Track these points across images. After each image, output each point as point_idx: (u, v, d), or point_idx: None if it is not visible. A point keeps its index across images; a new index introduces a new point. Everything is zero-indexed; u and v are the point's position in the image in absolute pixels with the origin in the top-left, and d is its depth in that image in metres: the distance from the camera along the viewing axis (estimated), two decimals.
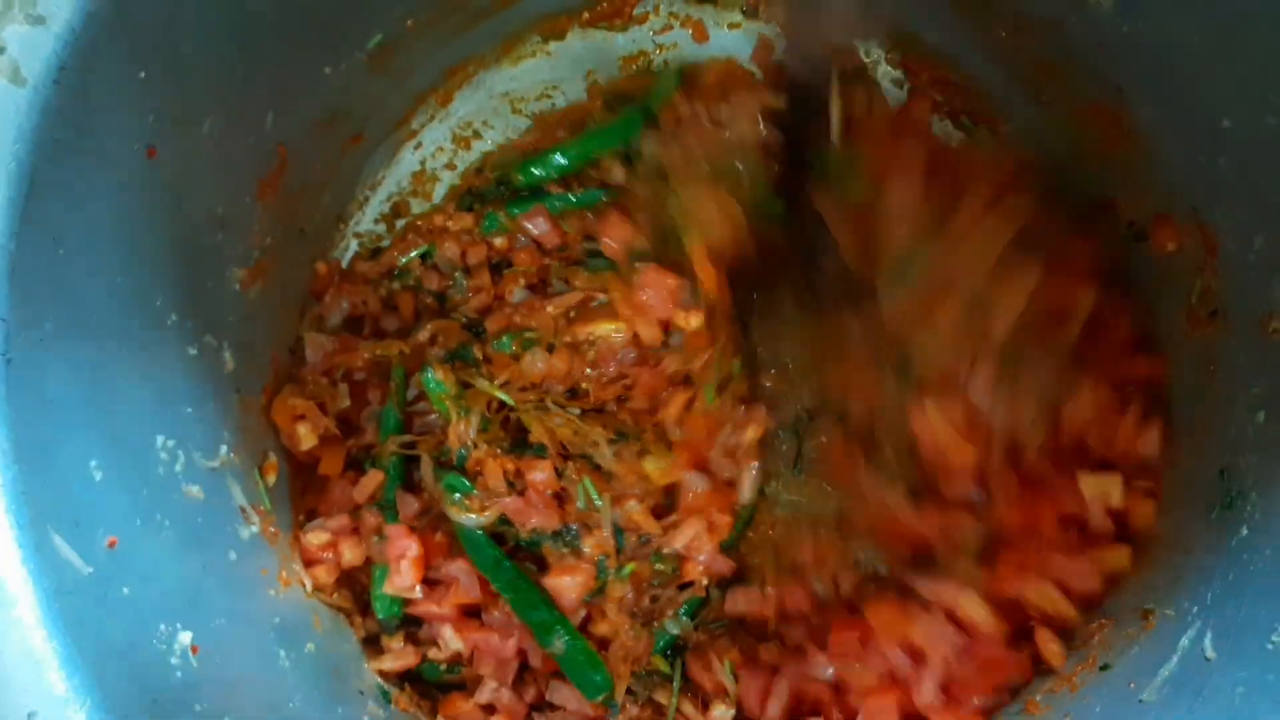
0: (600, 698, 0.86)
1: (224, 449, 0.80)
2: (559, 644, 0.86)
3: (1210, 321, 0.84)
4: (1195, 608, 0.77)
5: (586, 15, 1.06)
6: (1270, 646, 0.68)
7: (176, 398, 0.74)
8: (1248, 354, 0.81)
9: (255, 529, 0.82)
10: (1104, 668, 0.82)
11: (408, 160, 1.05)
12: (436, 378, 0.88)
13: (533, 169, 1.00)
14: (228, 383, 0.83)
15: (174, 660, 0.62)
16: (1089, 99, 0.91)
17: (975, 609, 0.83)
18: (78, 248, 0.62)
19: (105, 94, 0.61)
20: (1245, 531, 0.76)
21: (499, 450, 0.88)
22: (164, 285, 0.73)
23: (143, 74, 0.63)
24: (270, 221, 0.87)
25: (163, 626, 0.63)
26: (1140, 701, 0.75)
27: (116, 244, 0.66)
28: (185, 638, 0.64)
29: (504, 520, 0.88)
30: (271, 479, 0.89)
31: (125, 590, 0.60)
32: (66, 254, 0.61)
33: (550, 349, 0.91)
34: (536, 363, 0.90)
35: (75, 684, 0.52)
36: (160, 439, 0.71)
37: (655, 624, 0.91)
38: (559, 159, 1.00)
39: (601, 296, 0.93)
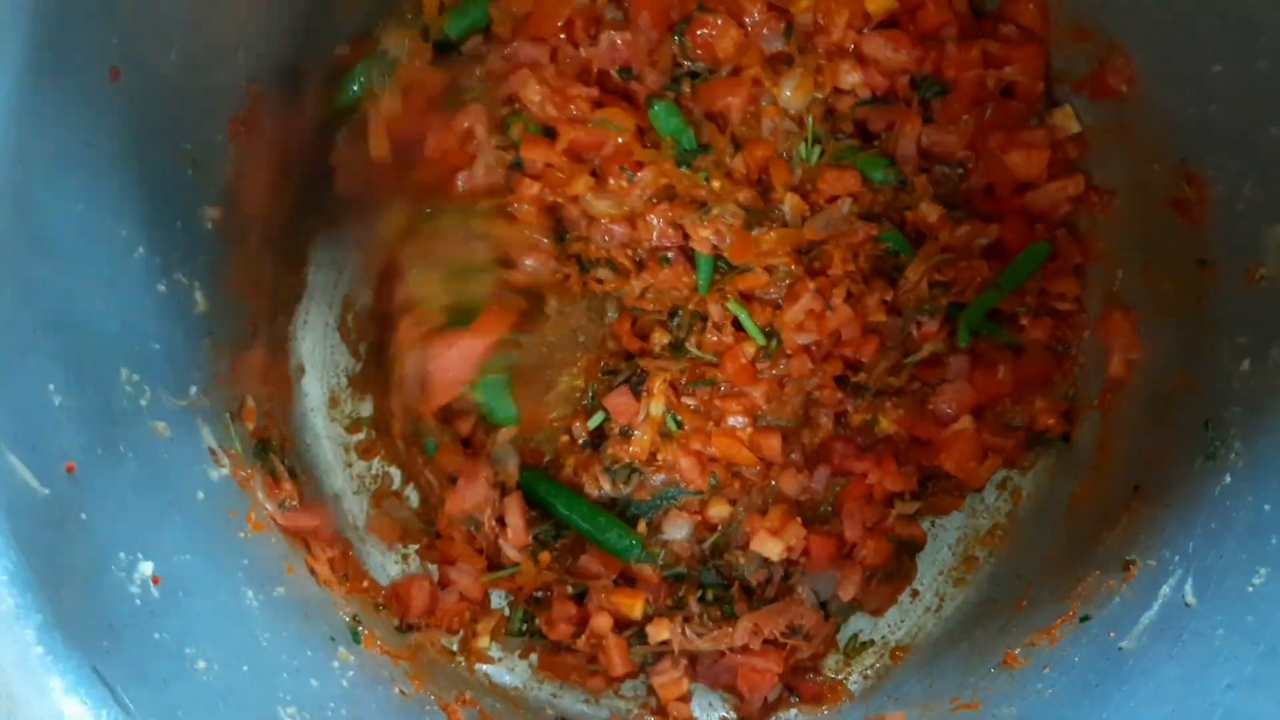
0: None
1: (193, 389, 0.79)
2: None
3: (1198, 271, 0.83)
4: (1176, 556, 0.76)
5: None
6: (1251, 589, 0.67)
7: (143, 333, 0.73)
8: (1234, 303, 0.80)
9: (225, 471, 0.80)
10: (1084, 619, 0.81)
11: None
12: None
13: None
14: (198, 323, 0.81)
15: (133, 589, 0.61)
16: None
17: None
18: (39, 169, 0.61)
19: (66, 9, 0.59)
20: (1229, 479, 0.75)
21: None
22: (129, 218, 0.71)
23: None
24: (244, 162, 0.86)
25: (123, 555, 0.61)
26: (1120, 649, 0.75)
27: (78, 169, 0.65)
28: (146, 568, 0.63)
29: None
30: (250, 425, 0.88)
31: (84, 516, 0.59)
32: (26, 174, 0.60)
33: None
34: None
35: (25, 602, 0.51)
36: (125, 372, 0.70)
37: None
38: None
39: None
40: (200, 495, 0.76)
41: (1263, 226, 0.76)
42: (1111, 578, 0.82)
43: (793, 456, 0.96)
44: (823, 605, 0.97)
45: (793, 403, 0.96)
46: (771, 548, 0.94)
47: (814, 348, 0.94)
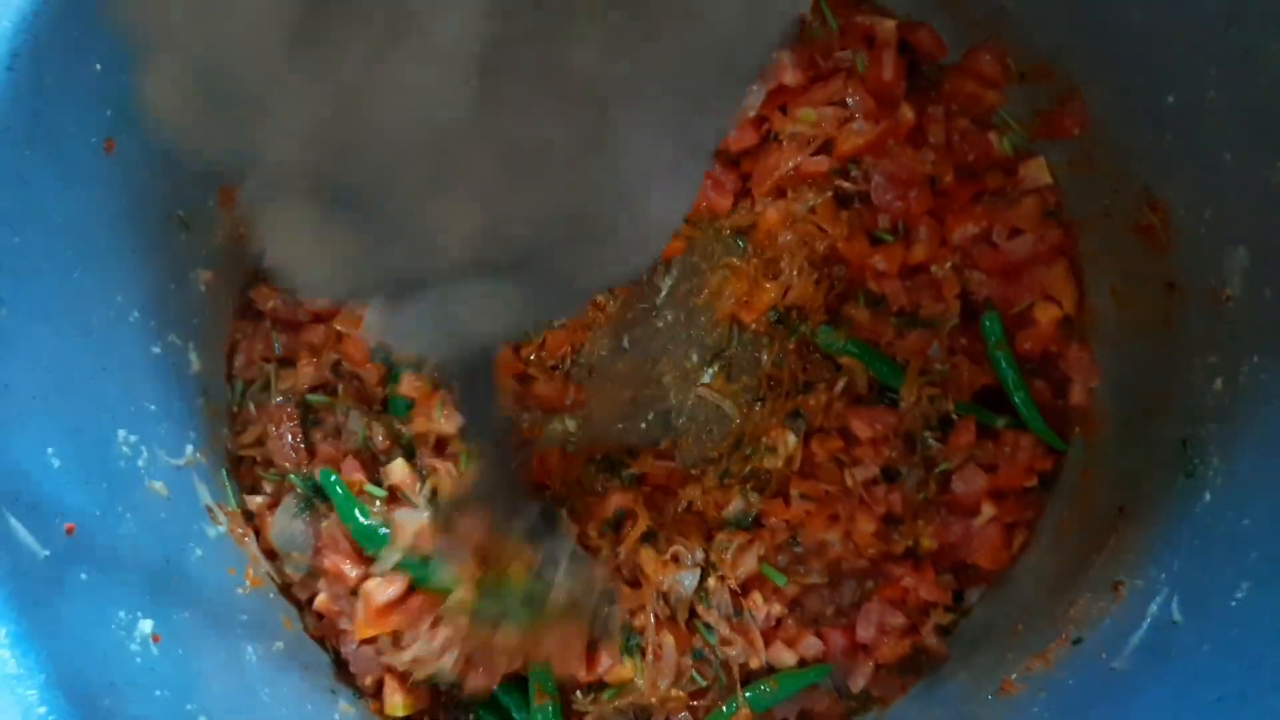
0: None
1: (190, 448, 0.80)
2: None
3: (1167, 294, 0.86)
4: (1163, 575, 0.77)
5: None
6: (1234, 604, 0.68)
7: (139, 394, 0.75)
8: (1204, 324, 0.82)
9: (223, 529, 0.81)
10: (1076, 642, 0.82)
11: None
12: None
13: None
14: (194, 383, 0.83)
15: (134, 647, 0.62)
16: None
17: None
18: (33, 239, 0.63)
19: (59, 85, 0.62)
20: (1208, 497, 0.77)
21: None
22: (124, 283, 0.74)
23: (99, 66, 0.64)
24: (235, 226, 0.88)
25: (122, 614, 0.62)
26: (1112, 669, 0.76)
27: (72, 238, 0.67)
28: (146, 626, 0.63)
29: None
30: (248, 482, 0.89)
31: (83, 576, 0.60)
32: (22, 243, 0.62)
33: None
34: None
35: (28, 663, 0.52)
36: (122, 433, 0.71)
37: None
38: None
39: None
40: (198, 553, 0.77)
41: (1225, 249, 0.78)
42: (1101, 599, 0.83)
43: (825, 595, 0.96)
44: (837, 689, 0.95)
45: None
46: (786, 658, 0.92)
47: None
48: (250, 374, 0.89)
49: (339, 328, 0.89)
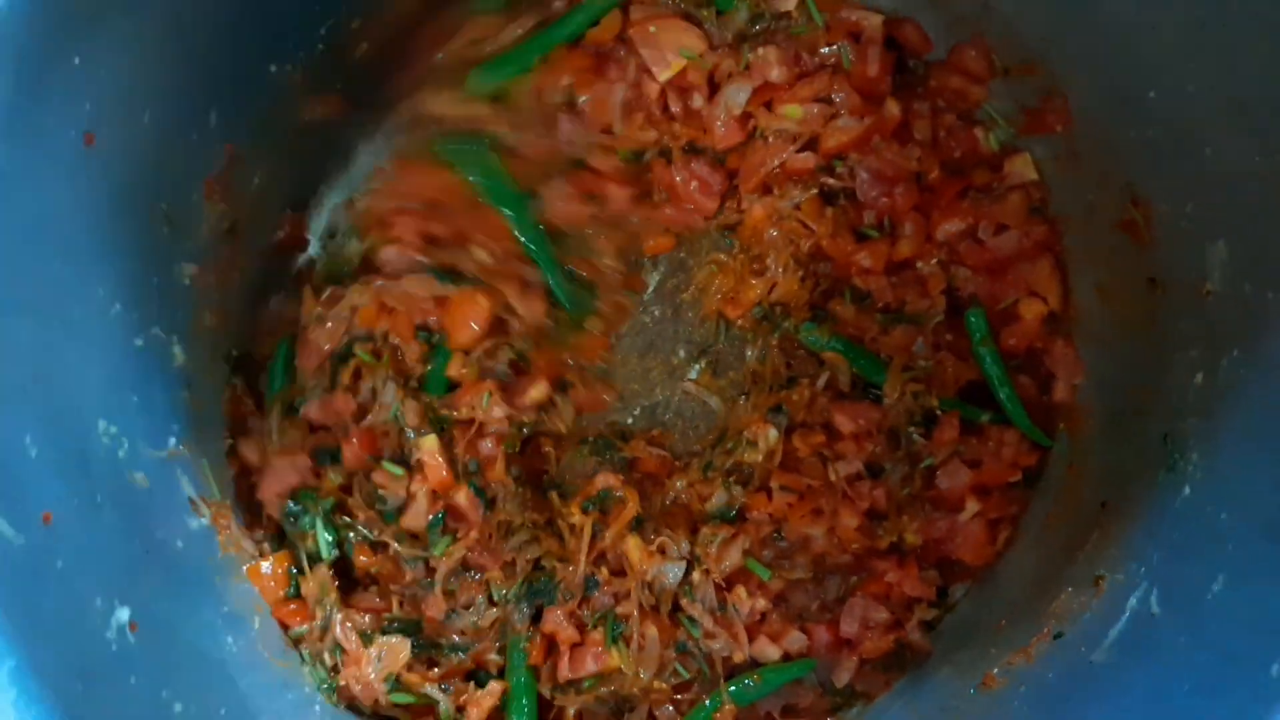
0: None
1: (173, 440, 0.81)
2: None
3: (1149, 289, 0.86)
4: (1143, 569, 0.78)
5: None
6: (1210, 597, 0.69)
7: (121, 385, 0.75)
8: (1185, 318, 0.82)
9: (205, 521, 0.82)
10: (1057, 636, 0.82)
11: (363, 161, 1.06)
12: None
13: None
14: (177, 376, 0.83)
15: (109, 635, 0.62)
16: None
17: None
18: (14, 230, 0.63)
19: (38, 78, 0.62)
20: (1188, 491, 0.77)
21: None
22: (105, 276, 0.74)
23: (77, 60, 0.65)
24: (220, 220, 0.88)
25: (99, 602, 0.63)
26: (1091, 663, 0.76)
27: (52, 230, 0.67)
28: (123, 614, 0.64)
29: None
30: (234, 470, 0.89)
31: (59, 564, 0.61)
32: (3, 234, 0.62)
33: None
34: None
35: None
36: (102, 424, 0.71)
37: None
38: None
39: None
40: (179, 544, 0.77)
41: (1205, 244, 0.79)
42: (1083, 593, 0.83)
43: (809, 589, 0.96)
44: (821, 684, 0.95)
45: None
46: (770, 653, 0.92)
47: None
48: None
49: (389, 301, 0.92)
